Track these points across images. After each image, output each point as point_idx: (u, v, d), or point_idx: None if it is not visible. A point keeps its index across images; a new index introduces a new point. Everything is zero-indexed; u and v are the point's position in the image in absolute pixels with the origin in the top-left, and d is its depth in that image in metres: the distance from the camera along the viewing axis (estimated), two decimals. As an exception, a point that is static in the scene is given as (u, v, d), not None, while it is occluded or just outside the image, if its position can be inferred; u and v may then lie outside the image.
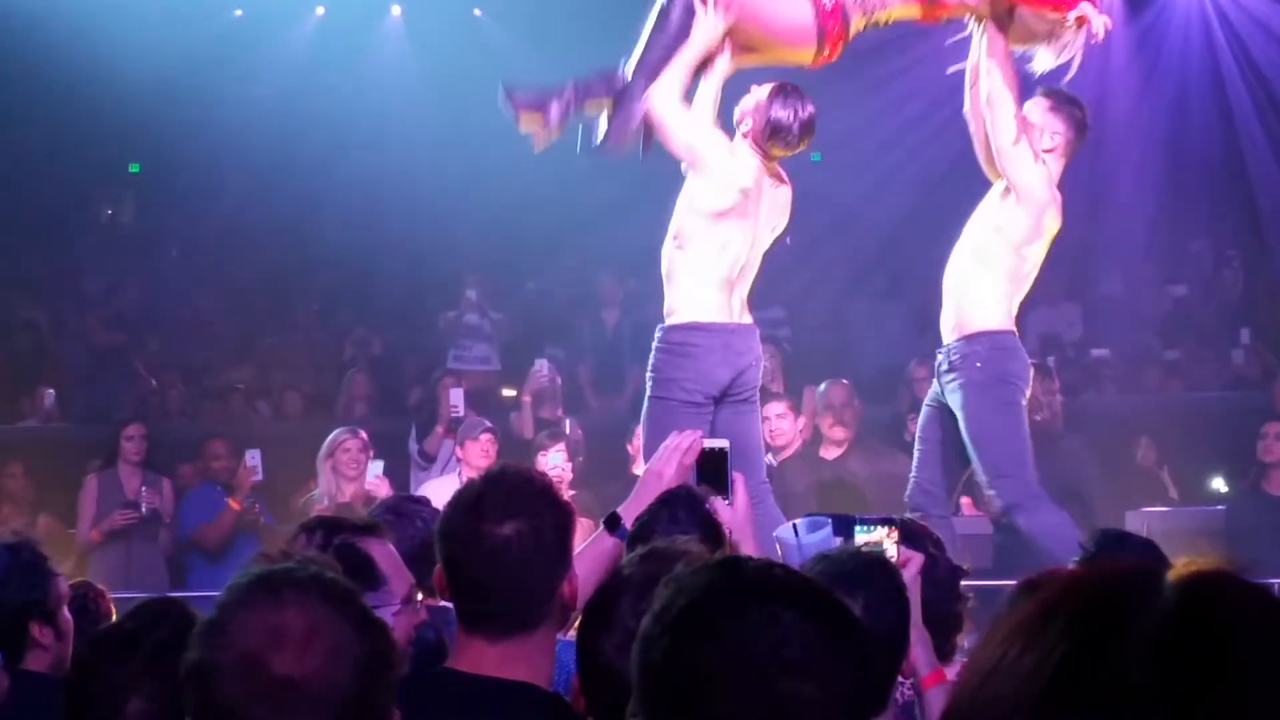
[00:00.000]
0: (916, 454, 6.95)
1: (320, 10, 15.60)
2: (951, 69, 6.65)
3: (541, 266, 14.71)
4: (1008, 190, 6.55)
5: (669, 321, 6.63)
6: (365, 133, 15.27)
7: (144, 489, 9.47)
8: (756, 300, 11.71)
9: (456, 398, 9.83)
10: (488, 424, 9.09)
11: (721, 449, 4.31)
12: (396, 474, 9.70)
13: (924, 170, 13.24)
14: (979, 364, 6.53)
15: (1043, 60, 6.43)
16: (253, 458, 9.24)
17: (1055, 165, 6.57)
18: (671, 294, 6.65)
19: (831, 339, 13.11)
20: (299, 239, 15.35)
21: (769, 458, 9.27)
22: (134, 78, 14.63)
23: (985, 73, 6.43)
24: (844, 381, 9.23)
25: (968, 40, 6.63)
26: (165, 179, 15.82)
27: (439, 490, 8.79)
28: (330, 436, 8.81)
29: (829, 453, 9.06)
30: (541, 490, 3.30)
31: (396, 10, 15.61)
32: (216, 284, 14.92)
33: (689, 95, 6.60)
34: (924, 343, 11.56)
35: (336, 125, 15.36)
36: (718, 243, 6.55)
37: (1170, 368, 12.50)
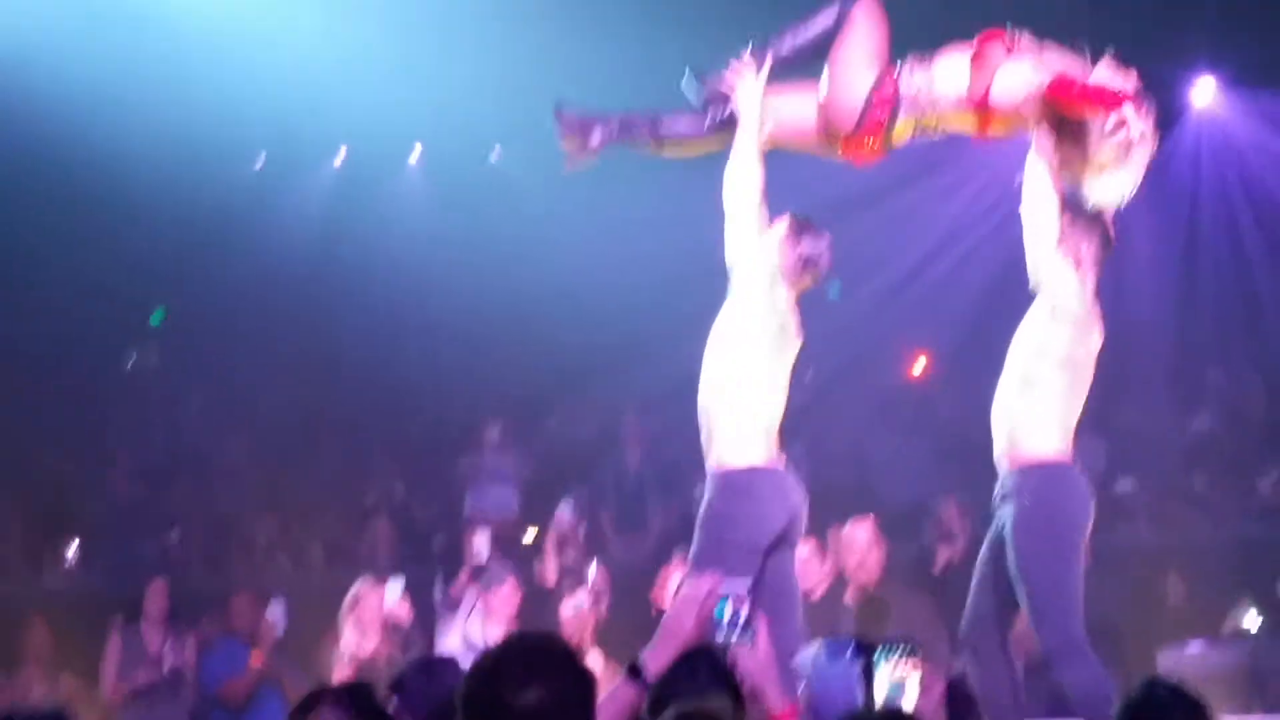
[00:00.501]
0: (973, 586, 6.70)
1: (341, 156, 15.74)
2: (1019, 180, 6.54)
3: (562, 406, 14.71)
4: (1046, 305, 6.41)
5: (724, 467, 6.45)
6: (386, 277, 15.34)
7: (167, 646, 9.43)
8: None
9: (481, 544, 9.81)
10: (510, 573, 9.07)
11: (742, 591, 4.27)
12: (422, 622, 9.66)
13: (943, 303, 13.26)
14: (1029, 499, 6.30)
15: (1099, 190, 6.33)
16: (274, 611, 9.20)
17: (1089, 278, 6.45)
18: (719, 439, 6.46)
19: (852, 475, 13.04)
20: (320, 386, 15.38)
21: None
22: (156, 226, 14.75)
23: (1030, 178, 6.35)
24: (867, 522, 9.15)
25: (998, 164, 6.59)
26: (188, 327, 15.90)
27: (463, 638, 8.79)
28: (352, 590, 8.77)
29: (854, 595, 8.99)
30: (562, 655, 3.27)
31: (416, 154, 15.73)
32: (238, 433, 14.92)
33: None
34: (949, 476, 11.52)
35: (357, 270, 15.45)
36: (760, 378, 6.44)
37: (1196, 500, 12.39)
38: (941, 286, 13.32)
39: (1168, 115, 13.15)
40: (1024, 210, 6.33)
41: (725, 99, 6.48)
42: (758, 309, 6.47)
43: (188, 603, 10.25)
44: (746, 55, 6.46)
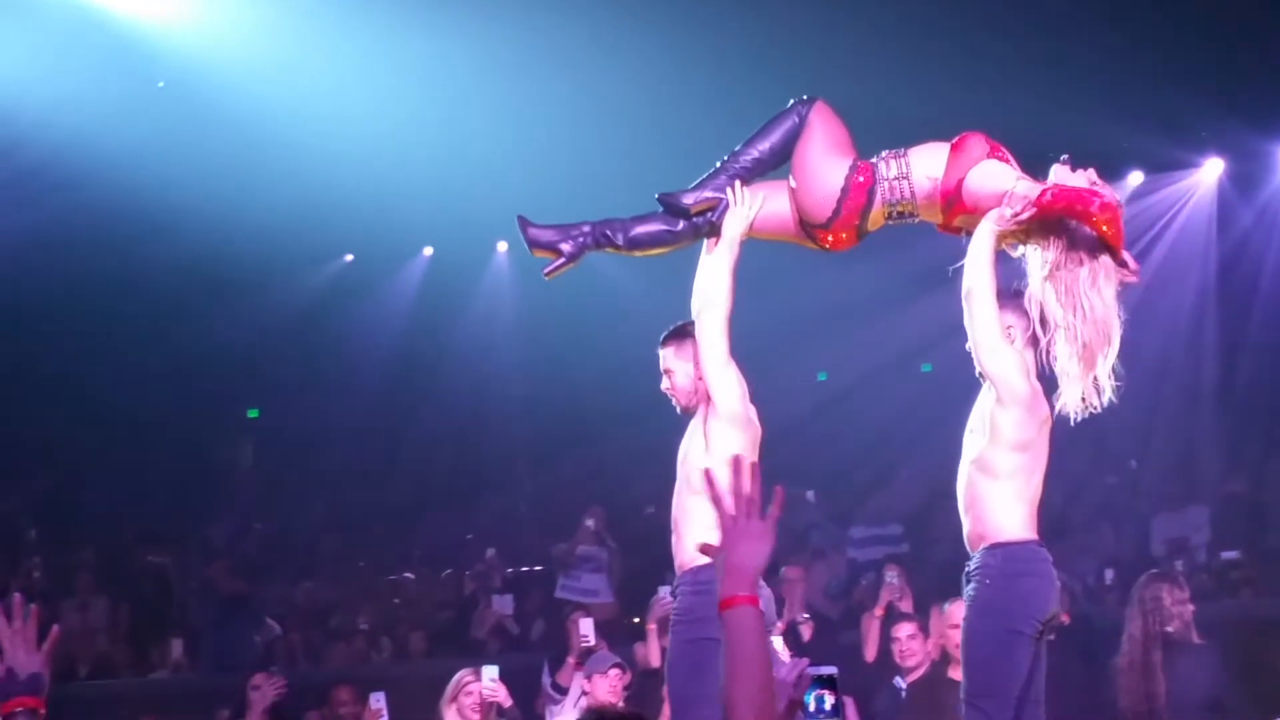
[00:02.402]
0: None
1: (429, 251, 15.89)
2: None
3: (660, 493, 14.70)
4: (992, 390, 6.36)
5: (698, 563, 6.37)
6: (475, 367, 15.45)
7: (274, 739, 9.45)
8: (874, 516, 11.43)
9: (587, 627, 9.81)
10: (615, 659, 9.05)
11: (830, 675, 4.24)
12: (529, 708, 9.65)
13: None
14: (989, 580, 6.19)
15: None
16: (377, 701, 9.15)
17: (1028, 356, 6.38)
18: (692, 538, 6.37)
19: (951, 552, 12.92)
20: (417, 476, 15.47)
21: (899, 680, 9.16)
22: (249, 326, 14.95)
23: (968, 266, 6.30)
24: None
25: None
26: (281, 423, 16.07)
27: (569, 724, 8.77)
28: (454, 679, 8.73)
29: (957, 672, 8.91)
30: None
31: (503, 246, 15.85)
32: (336, 525, 15.02)
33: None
34: (1051, 550, 11.39)
35: (447, 360, 15.57)
36: None
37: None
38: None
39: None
40: (962, 297, 6.28)
41: (703, 213, 6.48)
42: (736, 418, 6.41)
43: (291, 695, 10.27)
44: (739, 188, 6.45)
